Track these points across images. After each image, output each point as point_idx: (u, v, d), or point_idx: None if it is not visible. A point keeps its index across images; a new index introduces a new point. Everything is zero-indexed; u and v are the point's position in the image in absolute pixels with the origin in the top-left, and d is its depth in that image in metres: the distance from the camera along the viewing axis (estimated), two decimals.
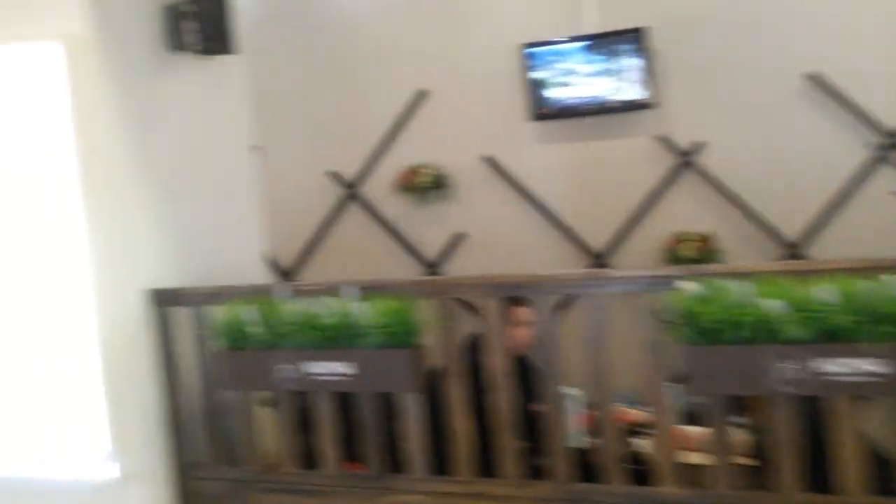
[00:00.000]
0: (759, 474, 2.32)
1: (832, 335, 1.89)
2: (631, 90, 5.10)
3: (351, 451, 2.60)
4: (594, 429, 2.73)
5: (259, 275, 3.35)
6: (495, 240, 5.69)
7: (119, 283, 2.66)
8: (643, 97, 5.08)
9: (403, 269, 5.96)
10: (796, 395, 2.00)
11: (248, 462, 2.70)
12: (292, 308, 2.40)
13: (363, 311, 2.30)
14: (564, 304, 2.40)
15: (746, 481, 2.26)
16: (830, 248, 4.82)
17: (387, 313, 2.29)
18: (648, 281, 2.11)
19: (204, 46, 2.82)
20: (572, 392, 2.55)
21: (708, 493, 2.19)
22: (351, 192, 6.03)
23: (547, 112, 5.29)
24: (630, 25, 5.08)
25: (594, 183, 5.41)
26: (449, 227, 5.84)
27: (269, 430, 2.83)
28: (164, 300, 2.75)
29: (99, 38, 2.61)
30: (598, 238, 5.43)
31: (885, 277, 1.88)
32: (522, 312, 2.88)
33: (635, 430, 2.71)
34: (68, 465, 2.72)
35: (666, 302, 2.02)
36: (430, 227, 5.91)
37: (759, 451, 2.39)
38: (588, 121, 5.28)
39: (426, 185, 5.70)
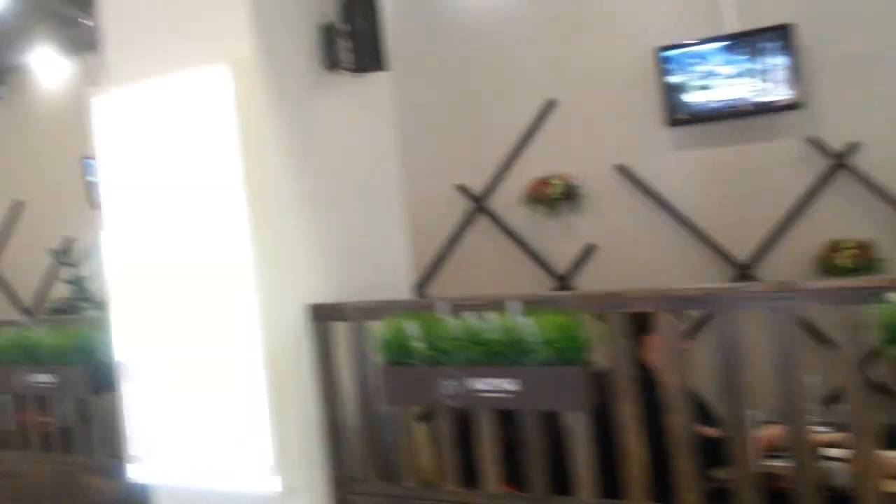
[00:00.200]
0: None
1: None
2: (776, 90, 4.82)
3: (510, 471, 2.53)
4: (772, 451, 2.55)
5: (406, 290, 3.35)
6: (628, 251, 5.52)
7: (280, 299, 2.71)
8: (789, 97, 4.79)
9: (532, 282, 5.87)
10: None
11: (406, 478, 2.67)
12: (455, 323, 2.36)
13: (529, 326, 2.23)
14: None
15: None
16: None
17: (554, 328, 2.21)
18: (851, 294, 1.93)
19: (357, 64, 2.85)
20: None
21: None
22: (479, 204, 6.01)
23: (684, 117, 5.08)
24: (772, 23, 4.81)
25: (736, 190, 5.14)
26: (579, 239, 5.71)
27: (423, 445, 2.81)
28: (324, 315, 2.78)
29: (263, 58, 2.67)
30: (741, 248, 5.16)
31: None
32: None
33: (826, 452, 2.50)
34: (233, 478, 2.78)
35: (872, 316, 1.83)
36: (559, 239, 5.80)
37: None
38: (729, 124, 5.03)
39: (556, 196, 5.60)
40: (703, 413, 2.55)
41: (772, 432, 2.58)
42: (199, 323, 2.78)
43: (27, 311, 8.23)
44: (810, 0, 4.91)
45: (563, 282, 5.76)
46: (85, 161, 7.38)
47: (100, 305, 6.97)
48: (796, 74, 4.76)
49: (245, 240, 2.64)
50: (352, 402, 2.79)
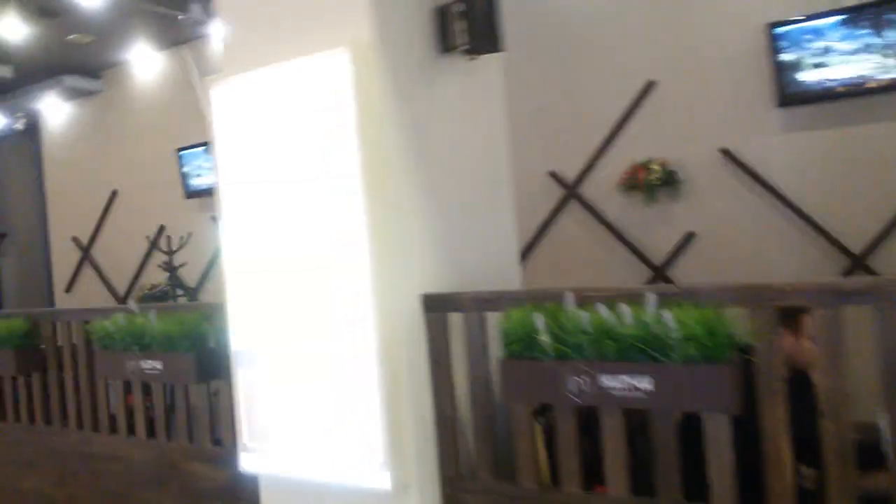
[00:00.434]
0: None
1: None
2: None
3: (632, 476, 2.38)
4: None
5: (516, 281, 3.22)
6: (730, 240, 5.25)
7: (396, 289, 2.61)
8: None
9: (625, 272, 5.67)
10: None
11: (523, 477, 2.55)
12: (585, 316, 2.22)
13: (668, 321, 2.07)
14: None
15: None
16: None
17: (697, 323, 2.05)
18: None
19: (472, 46, 2.73)
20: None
21: None
22: (571, 191, 5.83)
23: (797, 96, 4.78)
24: None
25: (852, 174, 4.81)
26: (677, 227, 5.47)
27: (537, 443, 2.68)
28: (439, 305, 2.67)
29: (381, 42, 2.58)
30: (856, 238, 4.83)
31: None
32: (809, 321, 2.53)
33: None
34: (343, 471, 2.71)
35: None
36: (656, 226, 5.56)
37: None
38: (846, 104, 4.70)
39: (655, 182, 5.36)
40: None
41: None
42: (313, 313, 2.72)
43: (118, 297, 8.48)
44: None
45: (660, 271, 5.53)
46: (179, 153, 7.53)
47: (191, 292, 7.12)
48: None
49: (362, 228, 2.55)
50: (466, 397, 2.68)
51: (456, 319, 2.68)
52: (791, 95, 4.78)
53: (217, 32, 6.69)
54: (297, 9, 2.74)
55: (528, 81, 5.71)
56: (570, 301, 2.30)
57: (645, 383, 2.16)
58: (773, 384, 2.08)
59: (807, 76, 4.70)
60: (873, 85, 4.54)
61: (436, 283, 2.76)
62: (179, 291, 7.00)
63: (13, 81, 7.39)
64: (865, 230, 4.80)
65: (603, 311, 2.21)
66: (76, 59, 7.51)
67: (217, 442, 3.50)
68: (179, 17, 5.77)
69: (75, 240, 8.90)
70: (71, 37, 6.74)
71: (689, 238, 5.41)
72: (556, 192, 5.93)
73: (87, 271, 8.89)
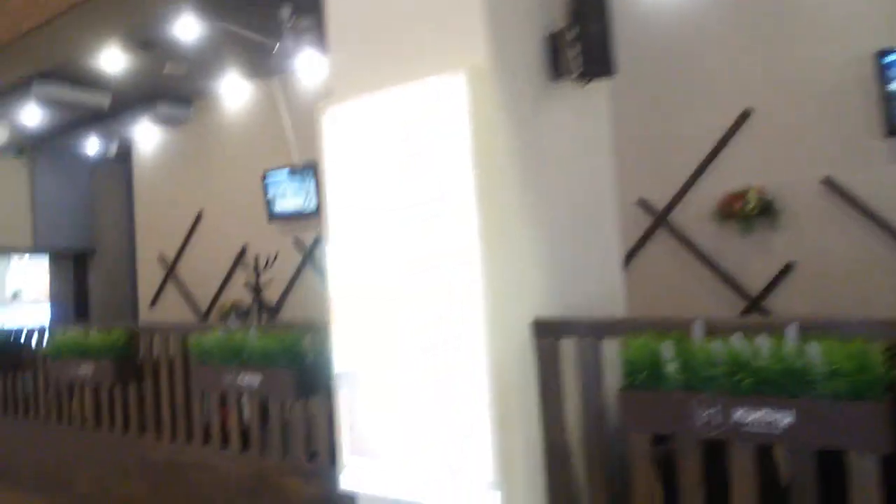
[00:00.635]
0: None
1: None
2: None
3: None
4: None
5: (621, 308, 3.13)
6: (831, 272, 5.02)
7: (508, 314, 2.56)
8: None
9: (716, 302, 5.48)
10: None
11: None
12: (717, 346, 2.12)
13: (815, 355, 1.96)
14: None
15: None
16: None
17: (844, 357, 1.93)
18: None
19: (585, 70, 2.68)
20: None
21: None
22: (661, 219, 5.69)
23: None
24: None
25: None
26: (773, 257, 5.27)
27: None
28: (550, 331, 2.61)
29: (496, 67, 2.56)
30: None
31: None
32: None
33: None
34: (446, 495, 2.65)
35: None
36: (750, 256, 5.38)
37: None
38: None
39: (751, 211, 5.19)
40: None
41: None
42: (421, 334, 2.69)
43: (200, 314, 8.68)
44: None
45: (755, 303, 5.33)
46: (264, 178, 7.70)
47: (272, 311, 7.23)
48: None
49: (474, 252, 2.52)
50: (578, 424, 2.60)
51: (566, 345, 2.61)
52: None
53: (305, 63, 6.86)
54: (411, 33, 2.75)
55: (619, 109, 5.62)
56: (698, 330, 2.20)
57: (785, 418, 2.04)
58: None
59: None
60: None
61: (544, 309, 2.70)
62: (262, 309, 7.10)
63: (110, 109, 7.70)
64: None
65: (737, 341, 2.11)
66: (169, 88, 7.78)
67: (311, 457, 3.49)
68: (274, 48, 5.91)
69: (161, 258, 9.17)
70: (166, 69, 6.98)
71: (787, 268, 5.20)
72: (643, 221, 5.80)
73: (171, 288, 9.13)
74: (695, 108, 5.53)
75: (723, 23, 5.42)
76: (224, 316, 7.99)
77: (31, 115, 7.43)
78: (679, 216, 5.67)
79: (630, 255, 5.86)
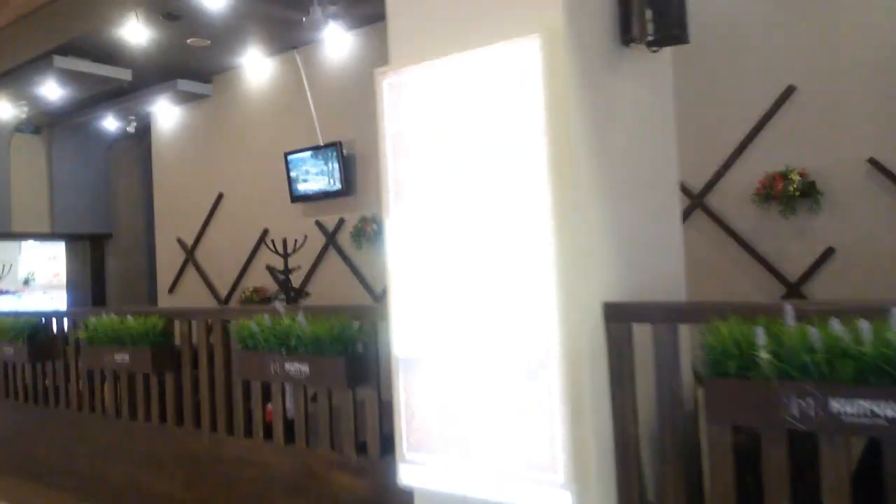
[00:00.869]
0: None
1: None
2: None
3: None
4: None
5: (682, 292, 3.03)
6: (876, 256, 4.90)
7: (580, 295, 2.46)
8: None
9: (755, 287, 5.37)
10: None
11: None
12: (814, 332, 2.02)
13: None
14: None
15: None
16: None
17: None
18: None
19: (658, 36, 2.56)
20: None
21: None
22: (698, 201, 5.58)
23: None
24: None
25: None
26: (816, 241, 5.16)
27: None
28: (622, 315, 2.51)
29: (570, 30, 2.43)
30: None
31: None
32: None
33: None
34: (513, 490, 2.57)
35: None
36: (791, 240, 5.26)
37: None
38: None
39: (793, 193, 5.06)
40: None
41: None
42: (486, 319, 2.59)
43: (220, 299, 8.59)
44: None
45: (794, 288, 5.22)
46: (287, 157, 7.58)
47: (297, 295, 7.12)
48: None
49: (546, 228, 2.41)
50: (650, 415, 2.51)
51: (637, 330, 2.51)
52: None
53: (332, 35, 6.71)
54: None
55: None
56: (789, 315, 2.10)
57: (890, 410, 1.94)
58: None
59: None
60: None
61: (613, 293, 2.60)
62: (288, 294, 6.99)
63: (129, 85, 7.58)
64: None
65: (836, 326, 2.01)
66: (191, 64, 7.65)
67: (360, 450, 3.40)
68: (304, 18, 5.77)
69: (180, 241, 9.07)
70: (190, 41, 6.85)
71: (828, 253, 5.09)
72: (682, 202, 5.68)
73: (190, 272, 9.04)
74: (735, 86, 5.40)
75: None
76: (246, 301, 7.91)
77: (51, 90, 7.33)
78: (715, 198, 5.55)
79: None
